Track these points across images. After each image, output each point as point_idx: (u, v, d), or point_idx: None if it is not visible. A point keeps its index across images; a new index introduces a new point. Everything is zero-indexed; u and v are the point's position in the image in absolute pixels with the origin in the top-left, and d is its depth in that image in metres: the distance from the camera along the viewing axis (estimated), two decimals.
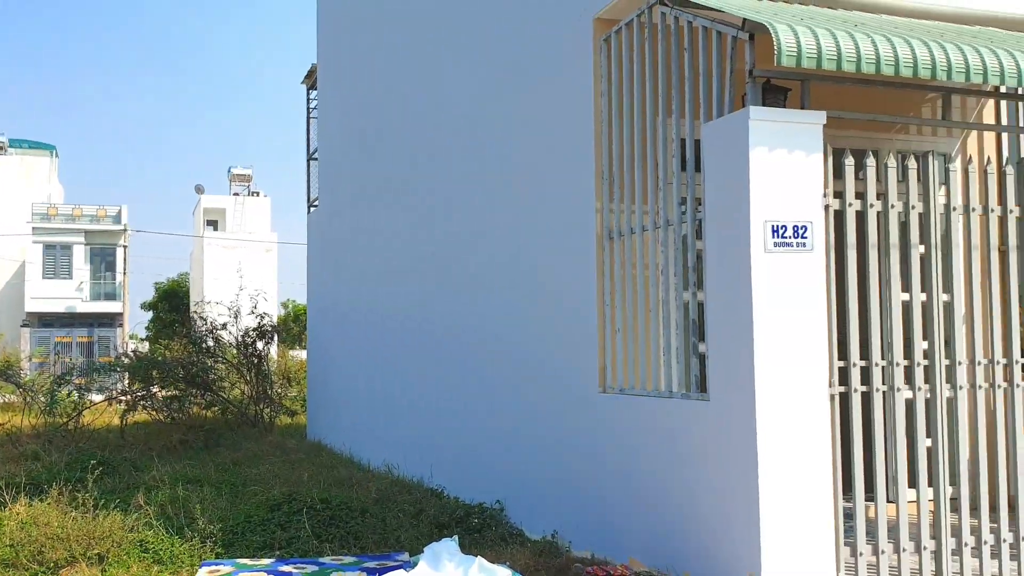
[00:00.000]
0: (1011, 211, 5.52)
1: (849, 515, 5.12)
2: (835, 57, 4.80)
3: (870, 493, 5.12)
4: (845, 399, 5.11)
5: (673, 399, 5.65)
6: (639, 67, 6.09)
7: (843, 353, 5.14)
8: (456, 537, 6.13)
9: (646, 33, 6.00)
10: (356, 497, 7.88)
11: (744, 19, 5.07)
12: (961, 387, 5.34)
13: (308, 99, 16.65)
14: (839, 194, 5.17)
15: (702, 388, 5.40)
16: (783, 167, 4.95)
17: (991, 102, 7.42)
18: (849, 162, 5.22)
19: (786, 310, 4.89)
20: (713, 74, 5.38)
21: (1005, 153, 7.44)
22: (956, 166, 5.49)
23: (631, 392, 6.09)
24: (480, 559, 5.55)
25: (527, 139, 7.68)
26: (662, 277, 5.82)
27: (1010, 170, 5.55)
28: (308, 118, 16.70)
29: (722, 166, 5.13)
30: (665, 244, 5.80)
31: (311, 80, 16.20)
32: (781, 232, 4.91)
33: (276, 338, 18.42)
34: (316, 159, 15.76)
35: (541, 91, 7.44)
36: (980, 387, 5.40)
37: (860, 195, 5.23)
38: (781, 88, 5.18)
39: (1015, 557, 5.33)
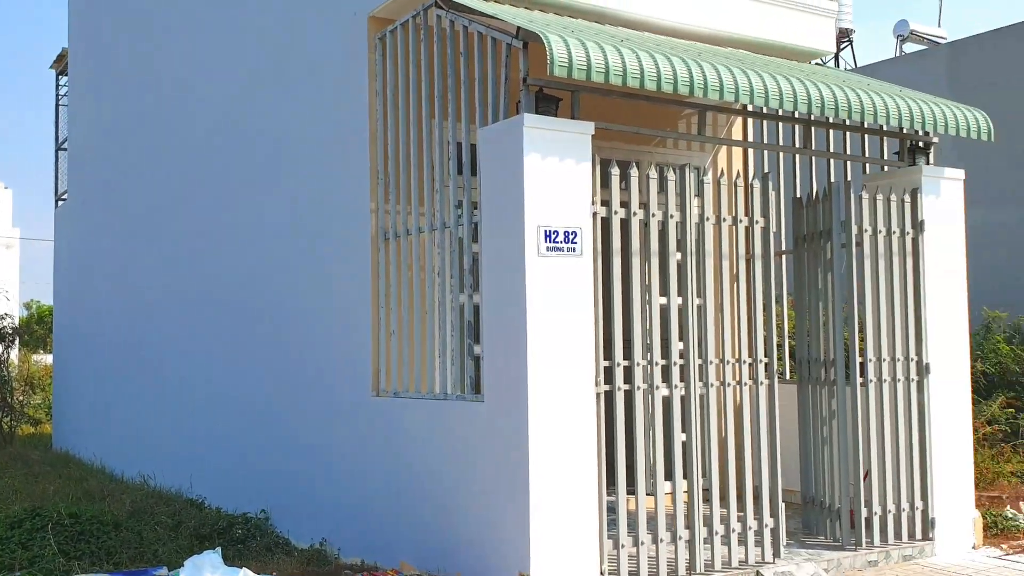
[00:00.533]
0: (756, 222, 5.96)
1: (612, 509, 5.34)
2: (604, 70, 5.00)
3: (631, 487, 5.36)
4: (610, 397, 5.33)
5: (448, 401, 5.68)
6: (415, 68, 6.08)
7: (608, 353, 5.36)
8: (219, 549, 5.86)
9: (422, 35, 6.00)
10: (108, 510, 7.36)
11: (519, 28, 5.18)
12: (712, 384, 5.70)
13: (57, 85, 15.44)
14: (605, 202, 5.39)
15: (476, 390, 5.46)
16: (555, 174, 5.10)
17: (740, 119, 8.01)
18: (615, 172, 5.45)
19: (557, 312, 5.04)
20: (488, 80, 5.46)
21: (752, 167, 8.06)
22: (709, 179, 5.87)
23: (405, 395, 6.07)
24: (245, 570, 5.34)
25: (300, 135, 7.48)
26: (438, 279, 5.84)
27: (756, 184, 5.99)
28: (57, 105, 15.48)
29: (497, 171, 5.21)
30: (441, 246, 5.82)
31: (61, 65, 15.04)
32: (553, 237, 5.06)
33: (18, 341, 16.95)
34: (65, 149, 14.64)
35: (315, 86, 7.27)
36: (728, 384, 5.79)
37: (624, 204, 5.48)
38: (553, 97, 5.33)
39: (759, 544, 5.75)
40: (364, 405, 6.41)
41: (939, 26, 21.04)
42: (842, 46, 24.80)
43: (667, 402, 5.53)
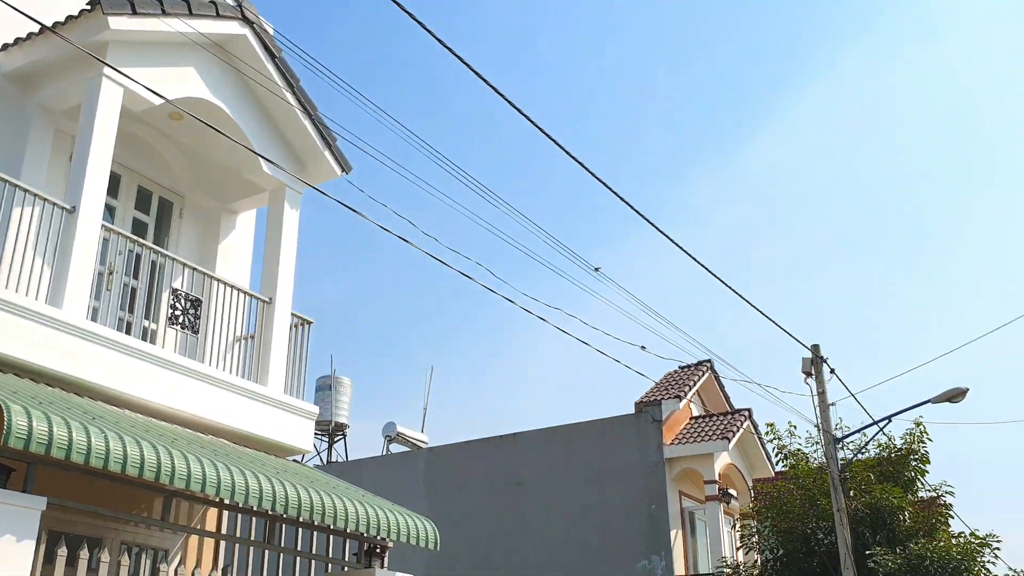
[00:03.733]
0: None
1: None
2: (66, 446, 4.89)
3: None
4: None
5: None
6: None
7: None
8: None
9: None
10: None
11: None
12: None
13: None
14: None
15: None
16: None
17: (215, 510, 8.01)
18: (62, 552, 5.14)
19: None
20: None
21: (223, 556, 7.98)
22: (168, 569, 5.73)
23: None
24: None
25: None
26: None
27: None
28: None
29: None
30: None
31: None
32: None
33: None
34: None
35: None
36: None
37: None
38: (5, 467, 5.03)
39: None
40: None
41: (422, 431, 23.45)
42: (336, 439, 26.40)
43: None
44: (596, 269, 10.44)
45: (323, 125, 8.92)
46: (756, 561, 15.96)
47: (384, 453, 21.46)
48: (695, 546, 17.82)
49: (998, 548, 14.30)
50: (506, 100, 7.36)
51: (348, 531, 7.18)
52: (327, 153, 8.90)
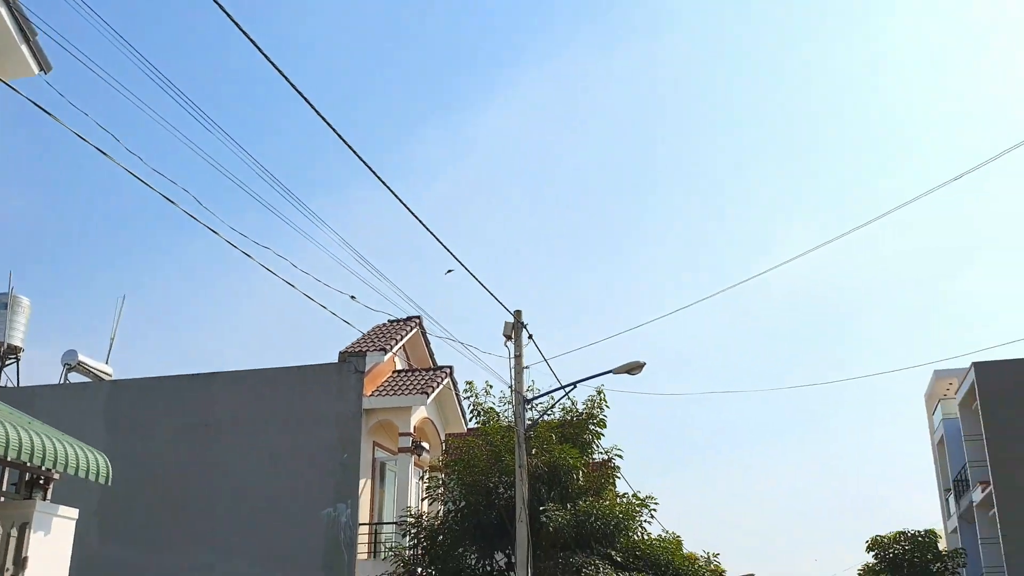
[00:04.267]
0: None
1: None
2: None
3: None
4: None
5: None
6: None
7: None
8: None
9: None
10: None
11: None
12: None
13: None
14: None
15: None
16: None
17: None
18: None
19: None
20: None
21: None
22: None
23: None
24: None
25: None
26: None
27: None
28: None
29: None
30: None
31: None
32: None
33: None
34: None
35: None
36: None
37: None
38: None
39: None
40: None
41: (107, 362, 21.98)
42: (7, 362, 24.14)
43: None
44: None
45: (22, 16, 8.04)
46: (439, 512, 16.54)
47: (62, 381, 19.87)
48: (383, 496, 18.13)
49: (655, 509, 15.79)
50: (234, 22, 7.00)
51: (8, 459, 6.61)
52: (24, 47, 8.04)
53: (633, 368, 13.14)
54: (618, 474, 16.22)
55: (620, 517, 15.18)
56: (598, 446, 16.16)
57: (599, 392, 16.21)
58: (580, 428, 16.00)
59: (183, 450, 17.32)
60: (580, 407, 16.28)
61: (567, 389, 14.13)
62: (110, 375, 21.46)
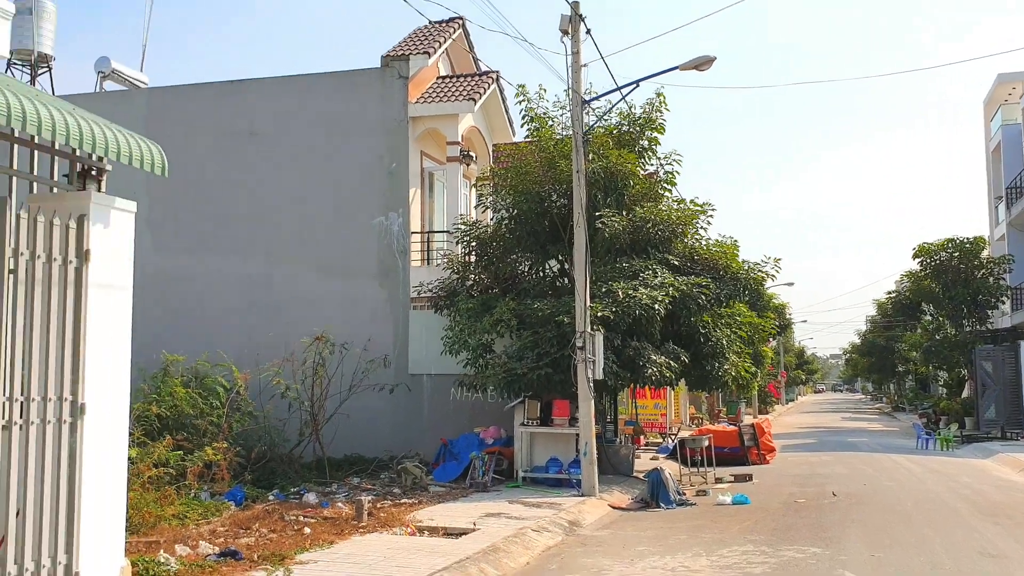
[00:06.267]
0: None
1: None
2: None
3: None
4: None
5: None
6: None
7: None
8: None
9: None
10: None
11: None
12: None
13: None
14: None
15: None
16: None
17: None
18: None
19: None
20: None
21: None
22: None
23: None
24: None
25: None
26: None
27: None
28: None
29: None
30: None
31: None
32: None
33: None
34: None
35: None
36: None
37: None
38: None
39: None
40: None
41: (141, 70, 21.21)
42: (40, 71, 23.44)
43: None
44: None
45: None
46: (491, 219, 16.33)
47: (98, 91, 19.22)
48: (432, 206, 17.90)
49: (712, 215, 15.45)
50: None
51: (56, 146, 6.14)
52: None
53: (702, 64, 12.21)
54: (674, 181, 15.74)
55: (676, 222, 14.89)
56: (655, 152, 15.58)
57: (659, 95, 15.39)
58: (638, 133, 15.35)
59: (229, 160, 16.97)
60: (638, 111, 15.52)
61: (627, 90, 13.32)
62: (146, 83, 20.75)
